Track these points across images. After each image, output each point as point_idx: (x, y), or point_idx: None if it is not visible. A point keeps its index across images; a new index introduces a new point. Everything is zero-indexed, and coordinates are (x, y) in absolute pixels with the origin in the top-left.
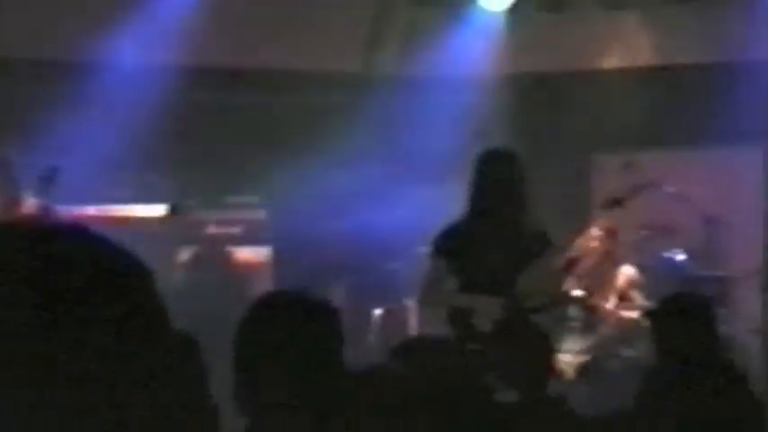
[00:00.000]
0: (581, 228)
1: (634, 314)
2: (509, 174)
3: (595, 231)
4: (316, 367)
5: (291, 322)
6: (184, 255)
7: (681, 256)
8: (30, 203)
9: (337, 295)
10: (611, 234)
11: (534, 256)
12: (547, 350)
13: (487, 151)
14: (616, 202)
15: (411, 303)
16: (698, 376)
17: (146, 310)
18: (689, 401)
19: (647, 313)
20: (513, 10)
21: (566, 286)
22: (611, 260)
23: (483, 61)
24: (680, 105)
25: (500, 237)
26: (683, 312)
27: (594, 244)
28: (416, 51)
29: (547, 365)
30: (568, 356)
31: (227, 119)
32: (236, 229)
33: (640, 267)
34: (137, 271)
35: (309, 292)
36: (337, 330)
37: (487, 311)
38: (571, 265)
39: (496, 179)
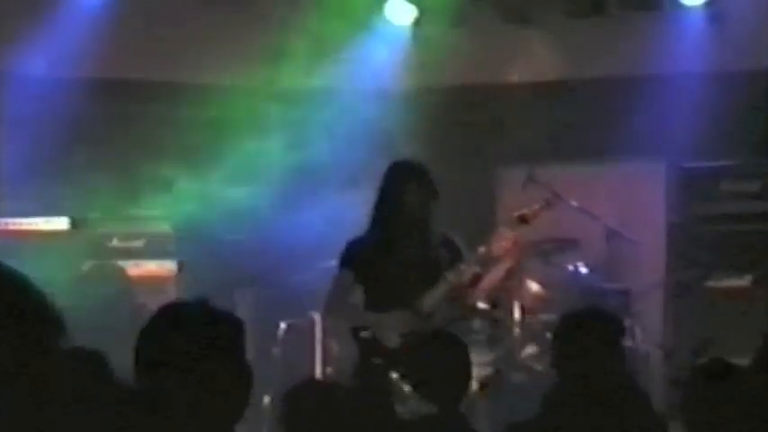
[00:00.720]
0: (486, 241)
1: (538, 327)
2: (417, 186)
3: (501, 242)
4: (217, 378)
5: (193, 332)
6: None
7: (584, 269)
8: None
9: (243, 307)
10: (515, 247)
11: (443, 269)
12: (465, 360)
13: (395, 163)
14: (522, 220)
15: (317, 316)
16: (599, 392)
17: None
18: (590, 418)
19: (551, 327)
20: (417, 23)
21: (471, 299)
22: (515, 273)
23: (389, 74)
24: (582, 119)
25: (408, 250)
26: (586, 327)
27: (500, 254)
28: (322, 64)
29: (466, 376)
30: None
31: (131, 132)
32: (139, 243)
33: (544, 280)
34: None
35: (211, 303)
36: (241, 341)
37: (392, 327)
38: (476, 280)
39: (404, 192)
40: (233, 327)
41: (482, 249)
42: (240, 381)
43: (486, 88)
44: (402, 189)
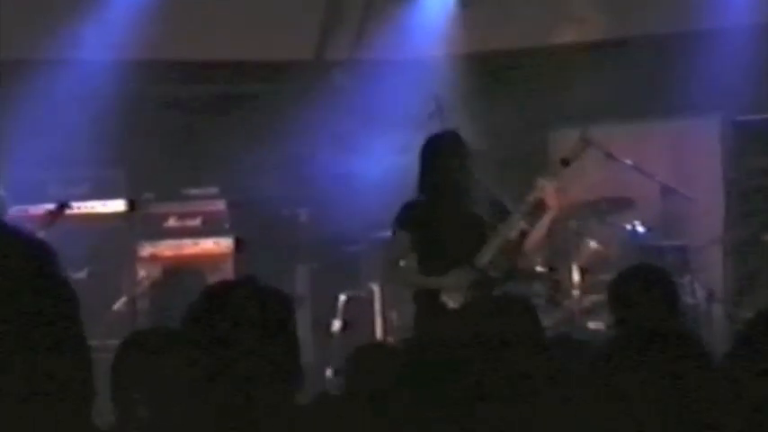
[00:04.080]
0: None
1: (598, 287)
2: (460, 150)
3: (542, 190)
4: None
5: (242, 310)
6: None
7: (641, 228)
8: None
9: (302, 282)
10: (557, 195)
11: (493, 227)
12: (535, 321)
13: (436, 134)
14: (562, 163)
15: (375, 287)
16: (656, 347)
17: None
18: (647, 373)
19: (608, 285)
20: None
21: (528, 262)
22: (570, 233)
23: (437, 42)
24: (635, 78)
25: (457, 212)
26: (642, 283)
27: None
28: (370, 35)
29: (538, 336)
30: None
31: (184, 112)
32: (196, 222)
33: (601, 240)
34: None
35: (259, 280)
36: (291, 317)
37: (453, 288)
38: (525, 235)
39: (442, 162)
40: (282, 303)
41: (526, 201)
42: (290, 355)
43: (535, 51)
44: (438, 160)
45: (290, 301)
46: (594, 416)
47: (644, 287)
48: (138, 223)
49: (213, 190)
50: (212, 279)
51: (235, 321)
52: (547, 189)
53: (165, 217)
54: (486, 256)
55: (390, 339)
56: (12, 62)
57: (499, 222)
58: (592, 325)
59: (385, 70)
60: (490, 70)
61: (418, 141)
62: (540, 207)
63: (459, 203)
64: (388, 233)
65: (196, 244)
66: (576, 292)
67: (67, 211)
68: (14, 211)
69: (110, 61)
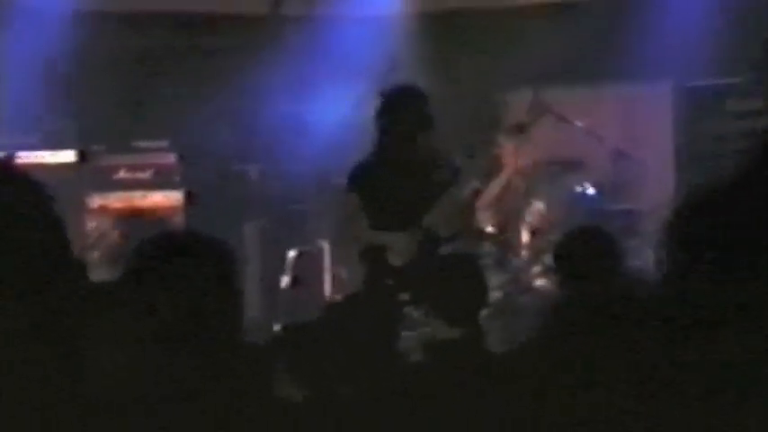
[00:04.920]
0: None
1: (545, 248)
2: (412, 108)
3: (497, 151)
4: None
5: (181, 263)
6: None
7: (590, 191)
8: None
9: (251, 238)
10: (512, 157)
11: (445, 187)
12: (480, 280)
13: (390, 88)
14: (519, 128)
15: (324, 244)
16: (601, 309)
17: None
18: (592, 335)
19: (554, 248)
20: None
21: (477, 223)
22: (520, 193)
23: (390, 1)
24: (589, 41)
25: (409, 171)
26: (585, 244)
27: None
28: None
29: (482, 296)
30: None
31: (134, 62)
32: (146, 174)
33: (551, 201)
34: None
35: (199, 232)
36: (233, 272)
37: (400, 246)
38: (476, 195)
39: (400, 115)
40: (222, 255)
41: (480, 162)
42: (228, 308)
43: (488, 12)
44: (397, 112)
45: (232, 255)
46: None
47: (587, 248)
48: (88, 175)
49: (164, 143)
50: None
51: (173, 274)
52: (504, 148)
53: (116, 169)
54: (435, 215)
55: (339, 297)
56: None
57: (451, 181)
58: (539, 286)
59: (341, 27)
60: (446, 30)
61: (374, 96)
62: (495, 166)
63: (411, 161)
64: (340, 191)
65: (146, 196)
66: (524, 253)
67: (16, 161)
68: None
69: (64, 11)
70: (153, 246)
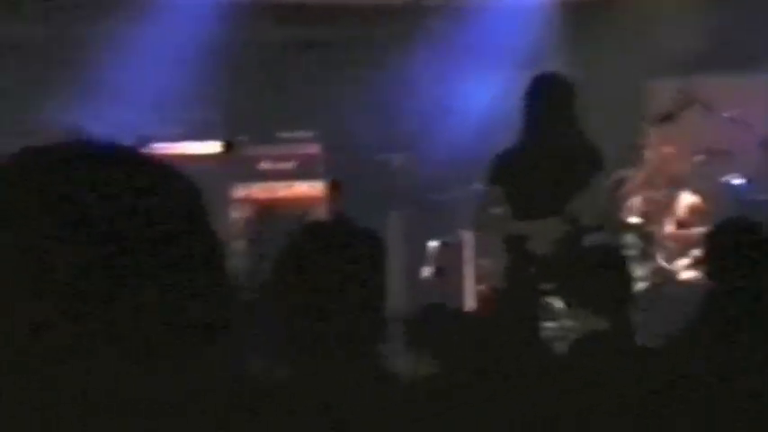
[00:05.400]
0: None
1: (692, 240)
2: (557, 97)
3: (644, 144)
4: (355, 298)
5: (333, 251)
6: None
7: (739, 181)
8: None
9: (394, 228)
10: (658, 149)
11: (588, 177)
12: (625, 271)
13: (535, 77)
14: (667, 117)
15: (466, 235)
16: (752, 301)
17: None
18: (744, 330)
19: (703, 238)
20: None
21: (622, 213)
22: (666, 185)
23: None
24: (737, 29)
25: (552, 160)
26: (736, 237)
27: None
28: None
29: (627, 287)
30: None
31: (279, 53)
32: (289, 164)
33: (698, 192)
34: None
35: (352, 221)
36: (381, 260)
37: (543, 235)
38: (620, 185)
39: (545, 103)
40: (372, 244)
41: (626, 153)
42: (375, 299)
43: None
44: (542, 101)
45: (382, 243)
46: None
47: (738, 240)
48: (233, 165)
49: (308, 133)
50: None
51: (326, 261)
52: (650, 138)
53: (259, 159)
54: (579, 205)
55: (482, 287)
56: (111, 2)
57: (595, 170)
58: (686, 278)
59: (484, 15)
60: (591, 17)
61: (517, 82)
62: (640, 156)
63: (555, 149)
64: (482, 181)
65: (290, 187)
66: (670, 245)
67: (161, 151)
68: None
69: (206, 4)
70: (306, 234)
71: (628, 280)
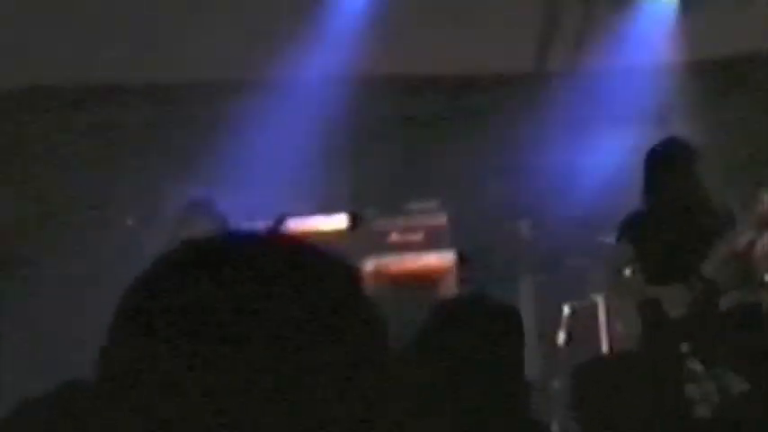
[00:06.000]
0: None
1: None
2: (684, 159)
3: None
4: (501, 369)
5: (473, 325)
6: (369, 266)
7: None
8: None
9: (524, 294)
10: None
11: (719, 235)
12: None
13: (662, 141)
14: None
15: (599, 298)
16: None
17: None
18: None
19: None
20: None
21: (756, 272)
22: None
23: (657, 50)
24: None
25: (682, 219)
26: None
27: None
28: (590, 46)
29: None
30: None
31: (402, 127)
32: (418, 236)
33: None
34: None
35: (488, 295)
36: (519, 331)
37: (678, 297)
38: (753, 244)
39: (672, 167)
40: (510, 317)
41: (754, 212)
42: (518, 373)
43: (759, 57)
44: (667, 166)
45: (519, 317)
46: None
47: None
48: (362, 239)
49: (434, 204)
50: (437, 294)
51: (466, 337)
52: None
53: (388, 232)
54: (712, 265)
55: (614, 351)
56: (232, 82)
57: (727, 231)
58: None
59: (605, 81)
60: (716, 76)
61: (645, 142)
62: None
63: (684, 213)
64: (613, 239)
65: (418, 258)
66: None
67: (289, 227)
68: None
69: (330, 78)
70: (442, 312)
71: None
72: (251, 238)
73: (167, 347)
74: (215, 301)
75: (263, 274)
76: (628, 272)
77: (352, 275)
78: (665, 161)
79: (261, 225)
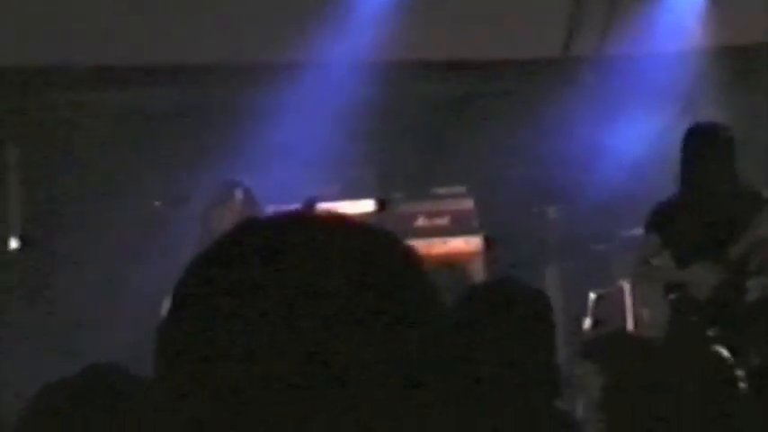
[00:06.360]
0: None
1: None
2: (716, 147)
3: None
4: (528, 354)
5: (504, 311)
6: None
7: None
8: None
9: (552, 280)
10: None
11: (749, 220)
12: None
13: (693, 127)
14: None
15: (625, 284)
16: None
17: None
18: None
19: None
20: None
21: None
22: None
23: (684, 37)
24: None
25: (711, 206)
26: None
27: None
28: (617, 30)
29: None
30: None
31: (429, 110)
32: (444, 220)
33: None
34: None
35: (518, 280)
36: (549, 316)
37: (706, 281)
38: None
39: (704, 153)
40: (539, 302)
41: None
42: (549, 358)
43: None
44: (701, 151)
45: (548, 301)
46: None
47: None
48: (388, 223)
49: (461, 189)
50: (465, 278)
51: (495, 322)
52: None
53: (415, 216)
54: (741, 249)
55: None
56: (260, 66)
57: (755, 216)
58: None
59: (632, 66)
60: (740, 64)
61: (672, 127)
62: None
63: (714, 197)
64: (640, 230)
65: (445, 243)
66: None
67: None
68: (269, 211)
69: (358, 62)
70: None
71: None
72: (309, 219)
73: (229, 327)
74: (277, 280)
75: (326, 255)
76: (656, 261)
77: (408, 253)
78: (699, 145)
79: (290, 209)
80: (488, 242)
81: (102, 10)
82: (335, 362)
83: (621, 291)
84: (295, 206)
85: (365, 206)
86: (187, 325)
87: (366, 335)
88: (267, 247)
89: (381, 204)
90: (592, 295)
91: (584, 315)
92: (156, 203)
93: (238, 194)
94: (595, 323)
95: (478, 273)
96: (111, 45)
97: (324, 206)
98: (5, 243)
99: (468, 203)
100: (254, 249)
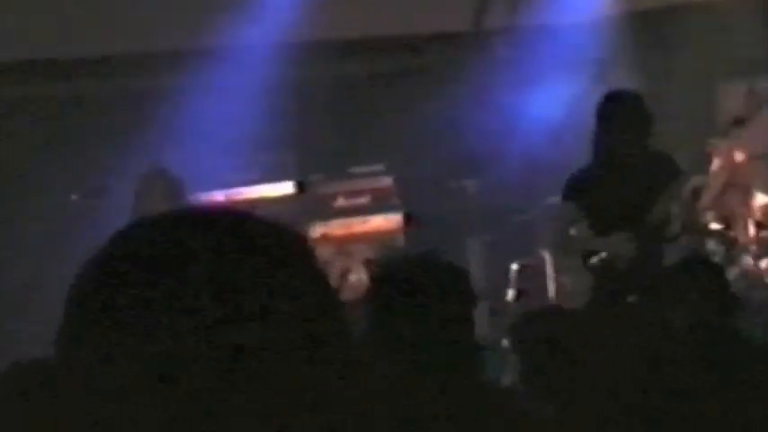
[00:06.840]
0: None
1: None
2: (629, 114)
3: (713, 152)
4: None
5: (420, 286)
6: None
7: None
8: None
9: (472, 253)
10: (729, 156)
11: (663, 187)
12: (721, 279)
13: (606, 95)
14: (738, 122)
15: (547, 254)
16: None
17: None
18: None
19: None
20: None
21: (701, 220)
22: (742, 187)
23: (599, 3)
24: None
25: (629, 171)
26: None
27: (720, 168)
28: (527, 1)
29: (725, 293)
30: None
31: (346, 89)
32: (364, 199)
33: None
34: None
35: (435, 254)
36: (469, 290)
37: (624, 248)
38: (697, 193)
39: (618, 121)
40: (460, 277)
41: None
42: (466, 330)
43: (699, 5)
44: (615, 119)
45: (468, 276)
46: None
47: None
48: (308, 205)
49: (379, 167)
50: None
51: (415, 296)
52: (722, 143)
53: (334, 197)
54: (657, 214)
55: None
56: (173, 53)
57: (671, 179)
58: None
59: (544, 35)
60: (657, 26)
61: (585, 95)
62: (712, 162)
63: (631, 162)
64: (559, 199)
65: (366, 222)
66: (752, 248)
67: (236, 198)
68: (192, 200)
69: (271, 45)
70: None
71: (727, 285)
72: (199, 211)
73: (125, 324)
74: (168, 276)
75: (215, 247)
76: (574, 231)
77: (298, 240)
78: (612, 114)
79: (209, 194)
80: (409, 219)
81: (12, 2)
82: (229, 357)
83: (543, 260)
84: (216, 194)
85: (284, 189)
86: (83, 328)
87: (260, 328)
88: (155, 246)
89: (300, 186)
90: (514, 266)
91: (507, 286)
92: (73, 197)
93: (159, 181)
94: (518, 294)
95: (400, 250)
96: (22, 38)
97: (243, 190)
98: None
99: (387, 181)
100: (144, 248)
